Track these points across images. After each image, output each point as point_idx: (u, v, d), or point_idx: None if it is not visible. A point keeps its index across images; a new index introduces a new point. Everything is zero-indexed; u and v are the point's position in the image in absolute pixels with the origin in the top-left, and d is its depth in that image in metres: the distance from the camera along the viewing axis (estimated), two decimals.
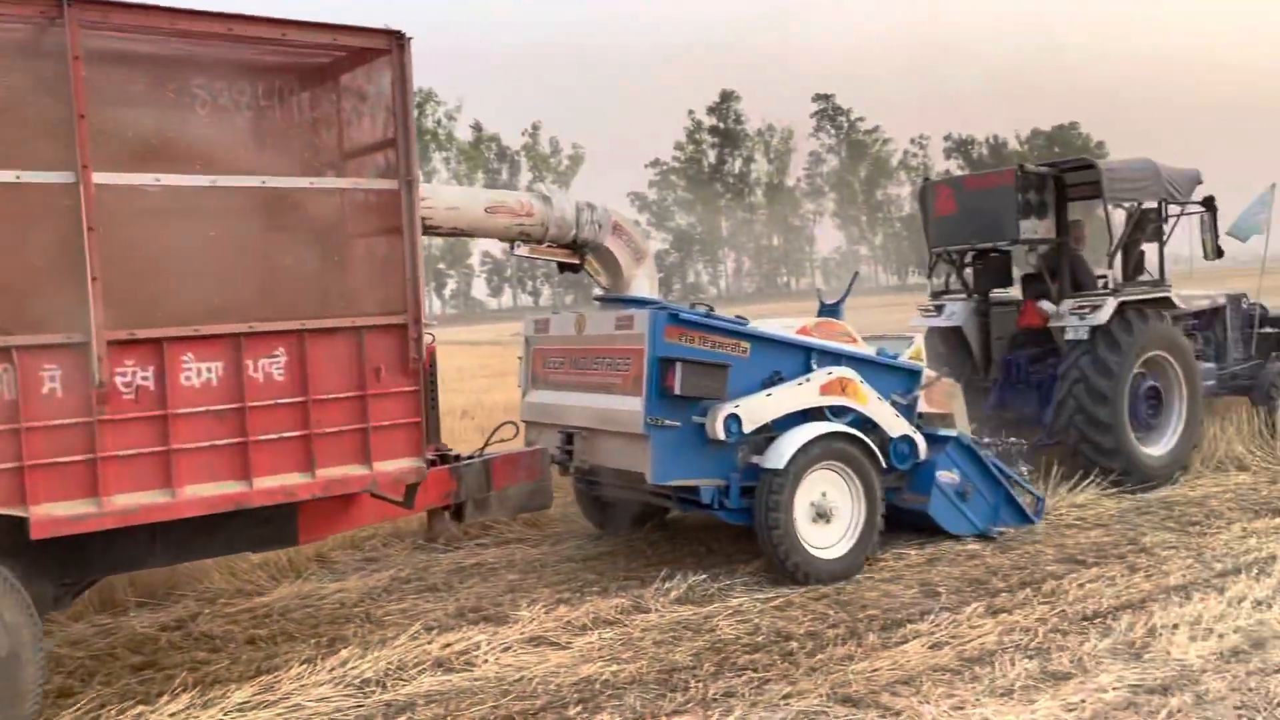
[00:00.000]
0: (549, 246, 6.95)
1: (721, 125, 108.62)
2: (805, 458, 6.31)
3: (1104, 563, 6.42)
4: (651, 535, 7.65)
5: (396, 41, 4.69)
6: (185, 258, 4.44)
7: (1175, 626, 5.16)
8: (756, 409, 6.37)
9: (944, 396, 7.62)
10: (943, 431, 7.05)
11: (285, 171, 4.72)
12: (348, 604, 6.35)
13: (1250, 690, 4.40)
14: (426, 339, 6.39)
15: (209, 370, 4.40)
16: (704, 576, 6.35)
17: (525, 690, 4.81)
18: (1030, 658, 4.88)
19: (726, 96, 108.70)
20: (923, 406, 7.32)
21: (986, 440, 7.63)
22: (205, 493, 4.38)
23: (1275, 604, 5.44)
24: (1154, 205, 8.97)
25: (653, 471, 6.21)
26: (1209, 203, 9.30)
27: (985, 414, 9.12)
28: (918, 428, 6.96)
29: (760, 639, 5.32)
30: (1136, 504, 7.88)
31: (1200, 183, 9.39)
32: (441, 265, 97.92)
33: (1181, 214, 9.32)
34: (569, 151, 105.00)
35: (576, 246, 7.00)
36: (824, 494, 6.44)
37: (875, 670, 4.80)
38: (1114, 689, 4.46)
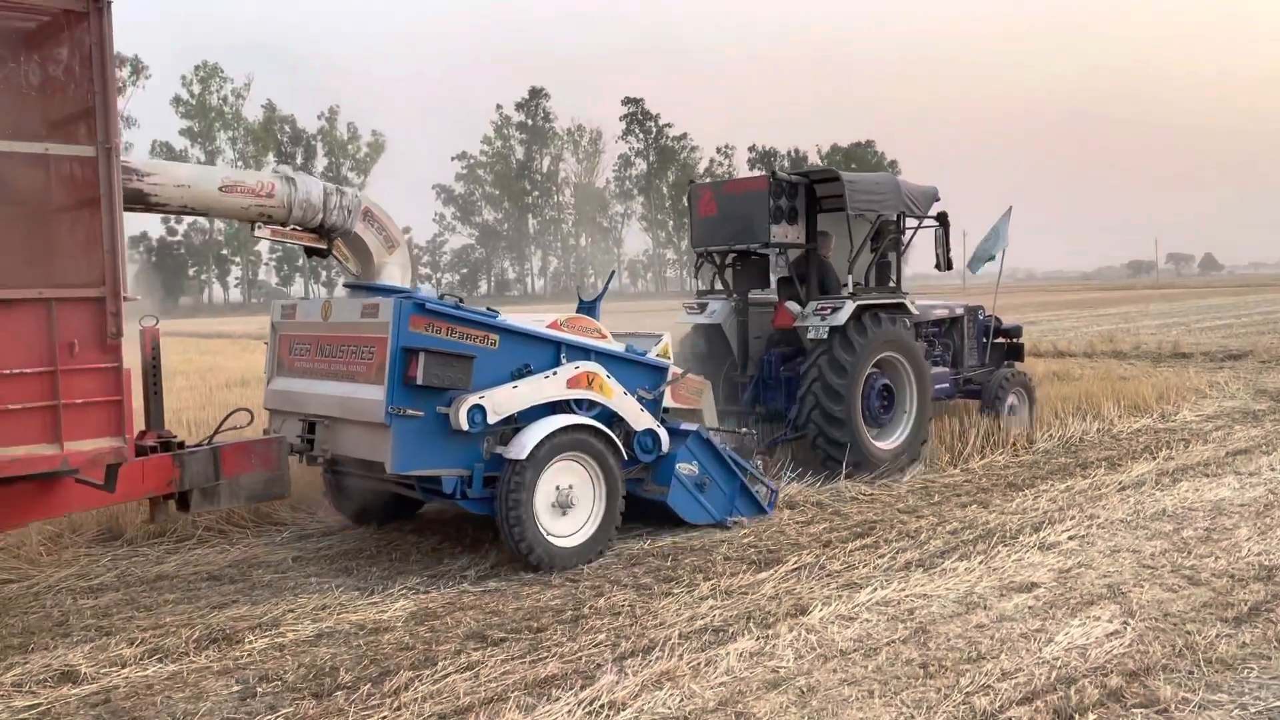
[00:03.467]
0: (293, 230, 6.76)
1: (530, 122, 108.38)
2: (548, 448, 6.41)
3: (507, 641, 5.20)
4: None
5: (94, 5, 4.45)
6: None
7: None
8: (502, 400, 6.41)
9: (691, 392, 7.92)
10: (683, 425, 7.31)
11: None
12: None
13: None
14: (149, 323, 6.12)
15: None
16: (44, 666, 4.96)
17: None
18: None
19: (536, 93, 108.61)
20: (670, 402, 7.58)
21: (713, 429, 7.88)
22: None
23: (625, 710, 4.35)
24: (893, 218, 9.63)
25: (393, 461, 6.14)
26: (943, 218, 10.06)
27: (743, 409, 9.55)
28: (662, 422, 7.20)
29: None
30: (627, 551, 6.76)
31: (938, 199, 10.16)
32: (226, 251, 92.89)
33: (919, 227, 10.06)
34: (368, 139, 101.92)
35: (324, 231, 6.83)
36: (566, 485, 6.55)
37: None
38: None
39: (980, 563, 6.39)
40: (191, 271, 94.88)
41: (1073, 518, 7.41)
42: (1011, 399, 10.81)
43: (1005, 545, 6.77)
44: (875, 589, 5.87)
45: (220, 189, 6.20)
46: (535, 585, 6.15)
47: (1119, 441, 10.66)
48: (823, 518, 7.63)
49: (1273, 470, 9.01)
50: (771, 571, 6.31)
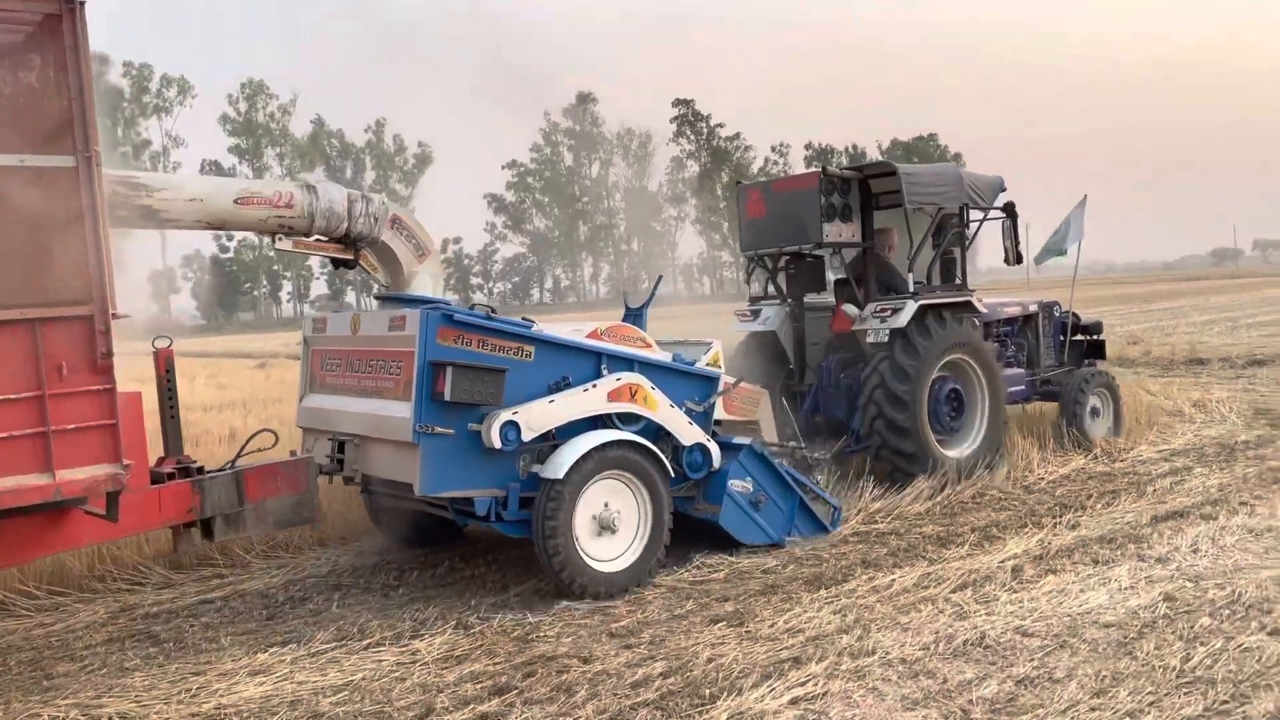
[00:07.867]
0: (317, 240, 6.43)
1: (578, 128, 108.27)
2: (587, 467, 5.98)
3: None
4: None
5: (67, 6, 4.15)
6: None
7: None
8: (538, 416, 5.99)
9: (747, 403, 7.43)
10: (735, 439, 6.82)
11: None
12: None
13: None
14: (162, 343, 5.81)
15: None
16: None
17: None
18: None
19: (583, 98, 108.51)
20: (724, 414, 7.10)
21: (765, 441, 7.35)
22: None
23: None
24: (955, 211, 9.03)
25: (422, 482, 5.76)
26: (1009, 209, 9.43)
27: (802, 420, 9.02)
28: (713, 435, 6.72)
29: None
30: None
31: (1004, 189, 9.53)
32: (277, 266, 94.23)
33: (984, 220, 9.44)
34: (415, 150, 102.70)
35: (350, 240, 6.50)
36: (607, 505, 6.11)
37: None
38: None
39: None
40: (245, 287, 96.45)
41: (842, 649, 4.94)
42: (1093, 401, 10.09)
43: (681, 717, 4.29)
44: None
45: (236, 201, 5.89)
46: None
47: (1028, 496, 8.09)
48: (495, 648, 5.23)
49: (1195, 552, 6.28)
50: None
